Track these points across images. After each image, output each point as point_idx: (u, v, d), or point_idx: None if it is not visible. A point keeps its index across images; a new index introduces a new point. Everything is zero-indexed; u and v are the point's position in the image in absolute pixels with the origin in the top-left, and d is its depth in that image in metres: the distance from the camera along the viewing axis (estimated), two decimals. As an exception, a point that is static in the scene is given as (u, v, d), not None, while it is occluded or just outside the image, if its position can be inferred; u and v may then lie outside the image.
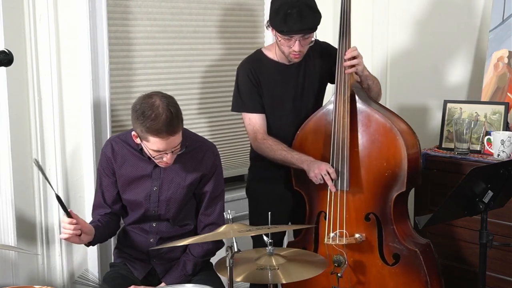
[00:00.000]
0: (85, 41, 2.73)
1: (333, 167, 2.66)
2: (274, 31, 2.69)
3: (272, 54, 2.82)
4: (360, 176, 2.69)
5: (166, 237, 2.51)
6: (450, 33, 3.39)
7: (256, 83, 2.81)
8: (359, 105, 2.72)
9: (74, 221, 2.24)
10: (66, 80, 2.74)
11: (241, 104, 2.85)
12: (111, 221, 2.52)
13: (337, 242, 2.67)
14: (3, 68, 2.33)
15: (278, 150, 2.75)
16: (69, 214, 2.22)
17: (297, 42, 2.65)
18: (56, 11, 2.67)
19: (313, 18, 2.64)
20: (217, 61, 3.27)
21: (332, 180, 2.63)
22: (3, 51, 2.02)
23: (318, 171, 2.63)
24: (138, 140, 2.35)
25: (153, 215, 2.49)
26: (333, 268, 2.67)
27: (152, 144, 2.28)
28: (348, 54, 2.68)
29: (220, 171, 2.57)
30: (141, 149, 2.42)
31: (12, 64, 2.06)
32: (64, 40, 2.71)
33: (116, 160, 2.48)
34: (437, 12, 3.43)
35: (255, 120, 2.82)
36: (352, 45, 2.73)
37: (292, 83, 2.83)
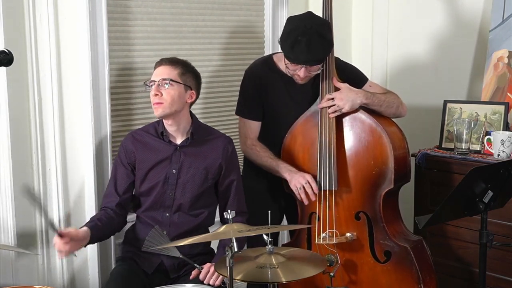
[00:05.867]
0: (85, 41, 2.73)
1: (321, 167, 2.69)
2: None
3: (282, 65, 2.77)
4: (348, 175, 2.72)
5: (178, 229, 2.54)
6: (450, 33, 3.40)
7: (261, 91, 2.81)
8: None
9: (67, 239, 2.30)
10: (66, 80, 2.74)
11: (242, 109, 2.88)
12: (115, 217, 2.55)
13: (328, 242, 2.69)
14: (3, 68, 2.33)
15: (264, 157, 2.78)
16: (60, 235, 2.29)
17: (303, 68, 2.64)
18: (56, 11, 2.67)
19: (322, 49, 2.60)
20: (217, 61, 3.27)
21: (312, 188, 2.65)
22: (3, 51, 2.02)
23: (298, 181, 2.66)
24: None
25: (169, 198, 2.54)
26: (325, 268, 2.68)
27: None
28: (324, 103, 2.70)
29: (237, 164, 2.71)
30: (162, 132, 2.55)
31: (12, 64, 2.06)
32: (64, 40, 2.71)
33: (138, 148, 2.58)
34: (437, 12, 3.43)
35: (249, 126, 2.85)
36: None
37: (296, 97, 2.81)
